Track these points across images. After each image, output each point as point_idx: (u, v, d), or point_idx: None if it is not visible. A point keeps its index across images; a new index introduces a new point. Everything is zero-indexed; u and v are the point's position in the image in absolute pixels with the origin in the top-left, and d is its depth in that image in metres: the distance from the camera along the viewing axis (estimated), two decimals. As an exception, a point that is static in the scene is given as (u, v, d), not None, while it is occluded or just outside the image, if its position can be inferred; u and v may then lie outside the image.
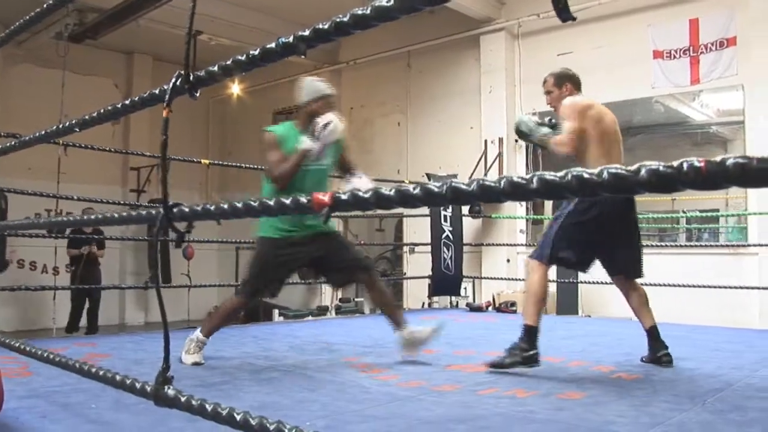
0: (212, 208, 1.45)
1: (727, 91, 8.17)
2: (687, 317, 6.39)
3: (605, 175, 0.84)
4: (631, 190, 0.83)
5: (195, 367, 3.86)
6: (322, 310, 10.96)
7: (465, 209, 9.09)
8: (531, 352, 3.77)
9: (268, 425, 1.28)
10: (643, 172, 0.81)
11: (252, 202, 1.34)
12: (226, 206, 1.42)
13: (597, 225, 3.94)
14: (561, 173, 0.89)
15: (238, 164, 7.95)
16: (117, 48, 13.10)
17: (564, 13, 0.95)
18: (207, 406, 1.46)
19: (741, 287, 6.85)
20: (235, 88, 13.58)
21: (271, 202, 1.29)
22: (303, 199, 1.21)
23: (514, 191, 0.93)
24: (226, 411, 1.40)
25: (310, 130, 4.02)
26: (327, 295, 11.81)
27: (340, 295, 10.48)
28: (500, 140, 9.79)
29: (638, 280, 4.24)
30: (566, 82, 4.21)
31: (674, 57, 8.46)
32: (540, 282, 3.94)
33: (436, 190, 1.03)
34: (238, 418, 1.36)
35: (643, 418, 2.72)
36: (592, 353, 4.54)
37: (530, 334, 3.81)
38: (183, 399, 1.54)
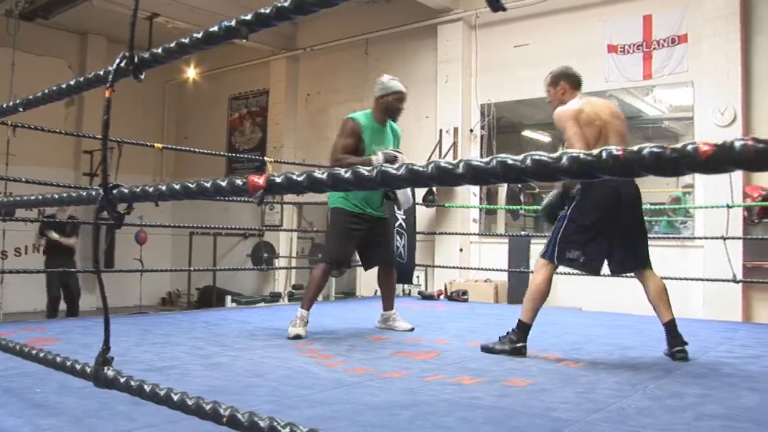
0: (151, 189, 1.45)
1: (678, 86, 8.33)
2: (634, 307, 6.50)
3: (528, 162, 0.86)
4: (553, 177, 0.86)
5: (145, 353, 3.83)
6: (275, 297, 10.95)
7: (419, 198, 9.12)
8: (519, 345, 3.99)
9: (204, 405, 1.29)
10: (564, 159, 0.84)
11: (189, 184, 1.35)
12: (163, 188, 1.42)
13: (604, 221, 3.88)
14: (454, 161, 0.92)
15: (193, 149, 7.87)
16: (70, 28, 12.83)
17: (493, 3, 0.97)
18: (146, 386, 1.46)
19: (686, 279, 6.99)
20: (191, 73, 13.44)
21: (208, 184, 1.30)
22: (239, 182, 1.22)
23: (474, 174, 0.94)
24: (164, 392, 1.40)
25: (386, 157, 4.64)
26: (280, 281, 11.80)
27: (294, 282, 10.50)
28: (455, 130, 9.84)
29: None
30: (561, 80, 4.19)
31: (628, 52, 8.61)
32: (544, 282, 4.02)
33: (366, 174, 1.05)
34: (175, 398, 1.37)
35: (585, 405, 2.78)
36: (540, 341, 4.60)
37: (523, 329, 4.03)
38: (122, 380, 1.54)
